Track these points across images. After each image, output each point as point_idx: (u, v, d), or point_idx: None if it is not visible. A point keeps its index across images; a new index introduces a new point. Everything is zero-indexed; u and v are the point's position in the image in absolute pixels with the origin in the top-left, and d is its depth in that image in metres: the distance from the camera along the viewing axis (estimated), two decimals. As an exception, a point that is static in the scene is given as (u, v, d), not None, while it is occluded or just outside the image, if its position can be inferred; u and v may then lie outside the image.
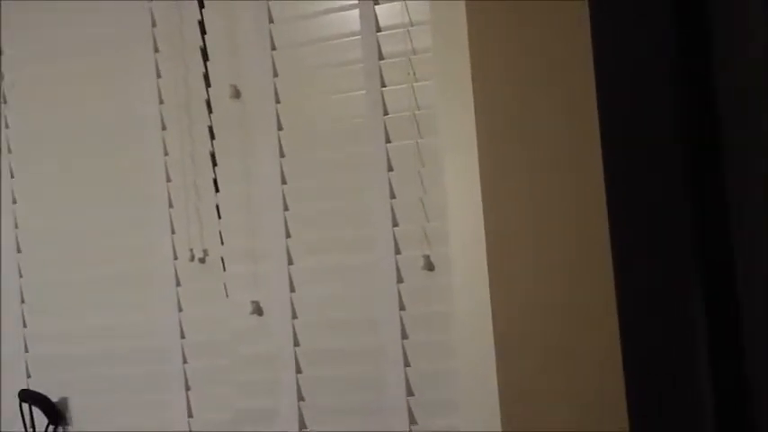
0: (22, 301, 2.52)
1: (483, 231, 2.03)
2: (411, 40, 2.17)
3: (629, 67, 1.41)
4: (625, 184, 1.62)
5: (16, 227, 2.53)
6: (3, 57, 2.53)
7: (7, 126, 2.54)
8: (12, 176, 2.54)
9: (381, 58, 2.19)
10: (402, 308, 2.17)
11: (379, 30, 2.20)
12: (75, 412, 2.46)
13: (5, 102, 2.54)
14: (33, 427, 2.43)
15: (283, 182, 2.28)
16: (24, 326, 2.52)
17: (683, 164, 1.41)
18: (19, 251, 2.53)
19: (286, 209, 2.28)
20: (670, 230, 1.41)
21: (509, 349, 2.01)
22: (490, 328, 2.02)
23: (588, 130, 1.93)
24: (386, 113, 2.19)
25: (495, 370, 2.02)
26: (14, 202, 2.54)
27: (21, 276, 2.53)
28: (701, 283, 1.40)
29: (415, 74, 2.16)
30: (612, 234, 1.62)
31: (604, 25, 1.43)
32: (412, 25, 2.16)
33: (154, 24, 2.40)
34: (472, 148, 2.04)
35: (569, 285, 1.97)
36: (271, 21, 2.29)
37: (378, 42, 2.19)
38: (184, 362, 2.37)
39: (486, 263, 2.02)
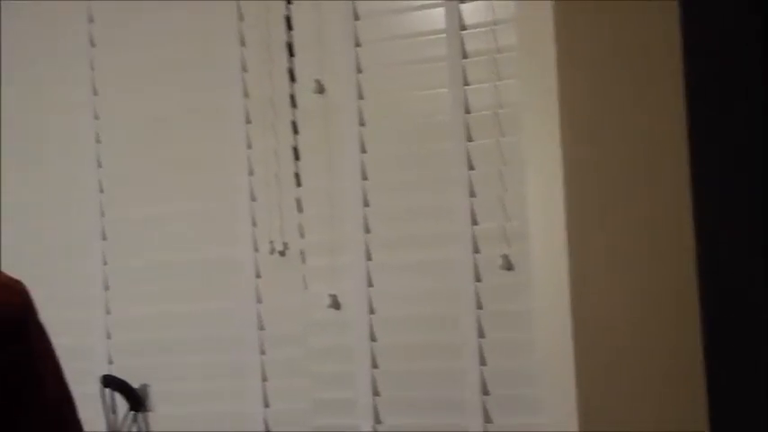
0: (107, 288, 2.58)
1: (564, 231, 2.02)
2: (496, 39, 2.16)
3: (719, 68, 1.40)
4: (712, 182, 1.60)
5: (102, 215, 2.59)
6: (95, 48, 2.58)
7: (97, 117, 2.60)
8: (99, 166, 2.59)
9: (465, 56, 2.20)
10: (479, 306, 2.17)
11: (463, 28, 2.20)
12: (155, 398, 2.50)
13: (96, 94, 2.59)
14: (115, 411, 2.48)
15: (364, 177, 2.29)
16: (108, 312, 2.57)
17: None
18: (104, 239, 2.58)
19: (366, 204, 2.29)
20: (756, 228, 1.39)
21: (588, 348, 2.00)
22: (569, 328, 2.01)
23: (674, 129, 1.91)
24: (468, 112, 2.19)
25: (574, 368, 2.01)
26: (101, 191, 2.59)
27: (105, 264, 2.58)
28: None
29: (498, 72, 2.16)
30: (698, 232, 1.61)
31: (694, 24, 1.42)
32: (496, 24, 2.16)
33: (241, 19, 2.43)
34: (555, 148, 2.03)
35: (650, 283, 1.95)
36: (356, 18, 2.31)
37: (462, 40, 2.20)
38: (262, 353, 2.40)
39: (566, 264, 2.01)
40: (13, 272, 2.58)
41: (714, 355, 1.46)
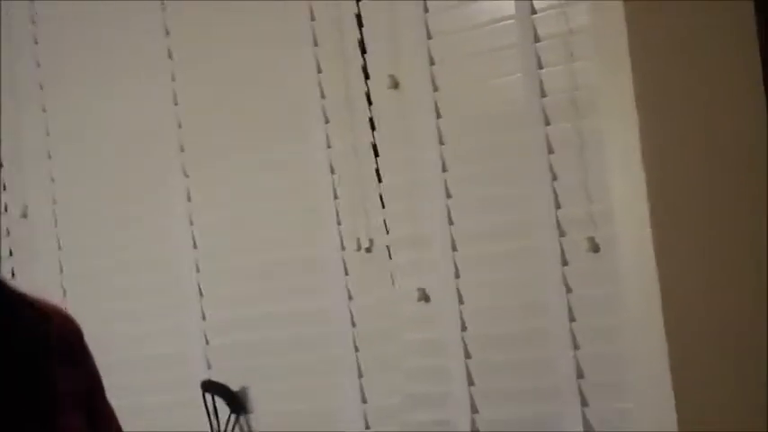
0: (201, 295, 2.62)
1: (647, 211, 1.99)
2: (567, 21, 2.14)
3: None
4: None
5: (191, 223, 2.63)
6: (174, 55, 2.62)
7: (180, 126, 2.64)
8: (186, 175, 2.64)
9: (537, 40, 2.18)
10: (569, 290, 2.15)
11: (534, 12, 2.18)
12: (255, 400, 2.54)
13: (177, 104, 2.64)
14: (217, 416, 2.53)
15: (444, 169, 2.29)
16: (203, 318, 2.62)
17: None
18: (195, 246, 2.63)
19: (448, 196, 2.29)
20: None
21: (680, 331, 1.97)
22: (659, 309, 1.98)
23: (754, 110, 1.87)
24: (544, 96, 2.17)
25: (667, 352, 1.98)
26: (189, 199, 2.64)
27: (198, 271, 2.63)
28: None
29: (572, 54, 2.14)
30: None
31: None
32: (567, 5, 2.14)
33: (313, 19, 2.45)
34: (633, 128, 2.00)
35: (743, 263, 1.92)
36: (426, 10, 2.31)
37: (533, 25, 2.18)
38: (356, 349, 2.42)
39: (651, 243, 1.99)
40: (106, 284, 2.69)
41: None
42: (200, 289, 2.62)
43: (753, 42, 1.81)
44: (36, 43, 2.83)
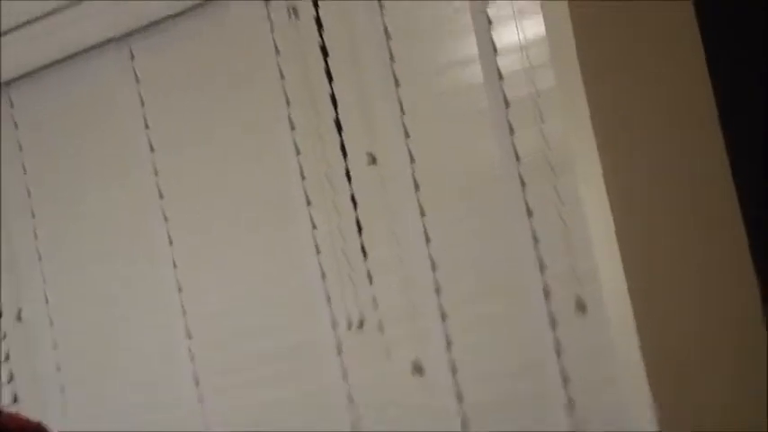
0: (197, 383, 2.62)
1: (621, 267, 1.99)
2: (534, 83, 2.17)
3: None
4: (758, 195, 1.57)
5: (184, 313, 2.64)
6: (155, 147, 2.66)
7: (166, 219, 2.66)
8: (170, 243, 2.65)
9: (507, 104, 2.21)
10: (558, 352, 2.15)
11: (501, 77, 2.21)
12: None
13: (162, 197, 2.66)
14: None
15: (427, 239, 2.31)
16: (200, 402, 2.61)
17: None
18: (189, 337, 2.63)
19: (434, 265, 2.30)
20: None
21: (665, 382, 1.96)
22: (641, 363, 1.98)
23: (716, 164, 1.89)
24: (518, 159, 2.19)
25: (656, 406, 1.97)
26: (180, 289, 2.65)
27: (192, 360, 2.62)
28: None
29: (541, 116, 2.16)
30: (753, 245, 1.57)
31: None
32: (533, 69, 2.17)
33: (288, 103, 2.48)
34: (600, 182, 2.01)
35: (715, 310, 1.92)
36: (397, 84, 2.34)
37: (502, 89, 2.21)
38: (354, 426, 2.40)
39: (628, 297, 1.99)
40: (102, 380, 2.68)
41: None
42: (196, 378, 2.62)
43: (710, 96, 1.84)
44: (21, 150, 2.86)
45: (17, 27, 2.76)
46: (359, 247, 2.41)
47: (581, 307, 2.12)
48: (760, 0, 1.47)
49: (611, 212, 2.00)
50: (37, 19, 2.74)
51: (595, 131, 2.01)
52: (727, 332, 1.91)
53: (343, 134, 2.42)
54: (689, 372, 1.94)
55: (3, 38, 2.77)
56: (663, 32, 1.94)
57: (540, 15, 2.13)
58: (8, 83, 2.83)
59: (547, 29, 2.10)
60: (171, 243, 2.66)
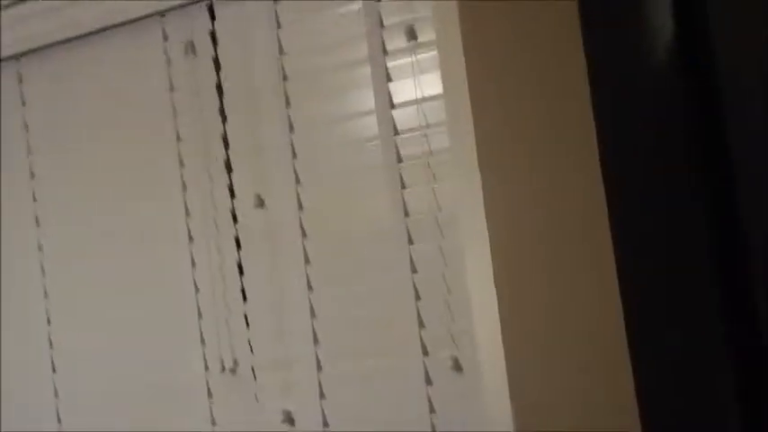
0: (59, 421, 2.53)
1: (500, 333, 2.01)
2: (428, 142, 2.18)
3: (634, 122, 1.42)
4: (638, 264, 1.60)
5: (51, 346, 2.56)
6: (34, 180, 2.58)
7: (40, 246, 2.58)
8: (45, 295, 2.57)
9: (400, 160, 2.21)
10: (432, 410, 2.14)
11: (397, 133, 2.22)
12: None
13: (38, 225, 2.59)
14: None
15: (309, 288, 2.28)
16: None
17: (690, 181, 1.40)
18: (54, 371, 2.55)
19: (313, 315, 2.28)
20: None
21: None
22: (512, 426, 1.99)
23: (603, 213, 1.92)
24: (407, 215, 2.19)
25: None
26: (48, 322, 2.56)
27: (56, 396, 2.54)
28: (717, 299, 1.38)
29: (434, 175, 2.17)
30: (629, 326, 1.60)
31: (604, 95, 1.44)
32: (428, 127, 2.18)
33: (179, 139, 2.45)
34: (486, 246, 2.03)
35: (590, 375, 1.94)
36: (291, 130, 2.33)
37: (396, 145, 2.21)
38: (219, 474, 2.36)
39: (504, 360, 2.00)
40: None
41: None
42: (58, 415, 2.53)
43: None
44: None
45: None
46: (239, 289, 2.37)
47: (457, 367, 2.12)
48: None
49: (493, 275, 2.01)
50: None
51: (484, 193, 2.03)
52: (603, 408, 1.93)
53: (232, 175, 2.39)
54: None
55: None
56: (559, 97, 1.98)
57: (438, 72, 2.14)
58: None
59: (444, 86, 2.11)
60: (43, 272, 2.58)
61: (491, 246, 2.02)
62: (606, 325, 1.93)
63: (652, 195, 1.52)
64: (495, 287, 2.01)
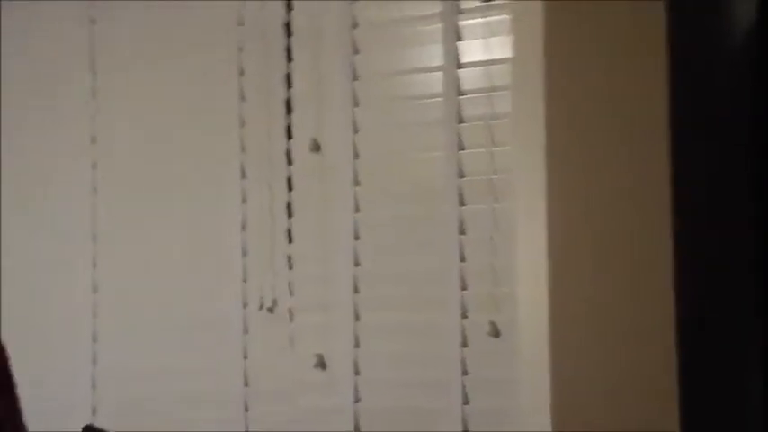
0: (95, 340, 2.57)
1: (546, 301, 2.00)
2: (492, 105, 2.17)
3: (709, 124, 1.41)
4: (696, 264, 1.59)
5: (94, 266, 2.59)
6: (96, 100, 2.60)
7: (94, 166, 2.61)
8: (93, 223, 2.59)
9: (461, 121, 2.20)
10: (465, 372, 2.15)
11: (460, 93, 2.21)
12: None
13: (94, 141, 2.61)
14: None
15: (356, 237, 2.29)
16: (94, 364, 2.56)
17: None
18: (95, 291, 2.58)
19: (357, 264, 2.29)
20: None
21: (569, 420, 1.98)
22: (548, 395, 1.99)
23: (661, 195, 1.91)
24: (462, 176, 2.19)
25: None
26: (94, 239, 2.59)
27: (95, 316, 2.57)
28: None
29: (493, 138, 2.16)
30: (679, 304, 1.60)
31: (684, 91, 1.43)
32: (493, 90, 2.17)
33: (242, 74, 2.45)
34: (542, 215, 2.02)
35: (632, 358, 1.94)
36: (356, 78, 2.32)
37: (459, 105, 2.20)
38: (246, 409, 2.38)
39: (547, 331, 2.00)
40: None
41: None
42: (95, 335, 2.56)
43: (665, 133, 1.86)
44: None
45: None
46: (286, 230, 2.38)
47: (495, 332, 2.12)
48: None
49: (546, 247, 2.00)
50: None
51: (547, 163, 2.01)
52: (639, 379, 1.92)
53: (291, 116, 2.39)
54: (596, 417, 1.96)
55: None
56: (635, 72, 1.96)
57: (509, 36, 2.12)
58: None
59: (514, 50, 2.10)
60: (95, 192, 2.60)
61: (547, 214, 2.01)
62: (656, 307, 1.91)
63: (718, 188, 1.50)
64: (547, 257, 2.00)
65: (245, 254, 2.41)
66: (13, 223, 2.69)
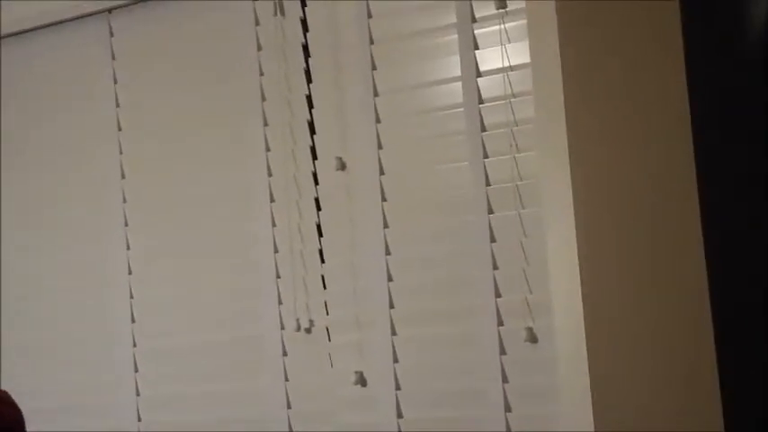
0: (136, 371, 2.58)
1: (581, 304, 2.00)
2: (513, 112, 2.17)
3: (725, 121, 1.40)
4: (726, 254, 1.58)
5: (131, 296, 2.61)
6: (122, 132, 2.63)
7: (125, 200, 2.63)
8: (128, 248, 2.62)
9: (484, 129, 2.20)
10: (505, 380, 2.15)
11: (481, 102, 2.21)
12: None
13: (123, 177, 2.63)
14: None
15: (387, 252, 2.30)
16: (137, 394, 2.58)
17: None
18: (133, 321, 2.60)
19: (390, 279, 2.29)
20: None
21: (611, 422, 1.97)
22: (589, 401, 1.98)
23: (688, 195, 1.90)
24: (488, 184, 2.19)
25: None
26: (130, 272, 2.61)
27: (135, 346, 2.59)
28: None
29: (517, 145, 2.16)
30: (714, 302, 1.59)
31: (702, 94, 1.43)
32: (514, 97, 2.17)
33: (263, 99, 2.47)
34: (571, 218, 2.02)
35: (669, 356, 1.93)
36: (376, 94, 2.33)
37: (480, 114, 2.21)
38: (290, 430, 2.38)
39: (584, 334, 1.99)
40: (40, 338, 2.65)
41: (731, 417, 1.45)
42: (135, 365, 2.58)
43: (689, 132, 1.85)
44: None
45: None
46: (317, 251, 2.39)
47: (532, 338, 2.12)
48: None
49: (577, 249, 2.00)
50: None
51: (572, 166, 2.02)
52: (678, 379, 1.92)
53: (315, 136, 2.41)
54: (636, 418, 1.95)
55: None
56: (654, 75, 1.96)
57: (527, 41, 2.13)
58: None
59: (532, 55, 2.10)
60: (127, 225, 2.62)
61: (576, 218, 2.01)
62: (689, 307, 1.91)
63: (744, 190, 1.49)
64: (579, 260, 2.00)
65: (278, 276, 2.43)
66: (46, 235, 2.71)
